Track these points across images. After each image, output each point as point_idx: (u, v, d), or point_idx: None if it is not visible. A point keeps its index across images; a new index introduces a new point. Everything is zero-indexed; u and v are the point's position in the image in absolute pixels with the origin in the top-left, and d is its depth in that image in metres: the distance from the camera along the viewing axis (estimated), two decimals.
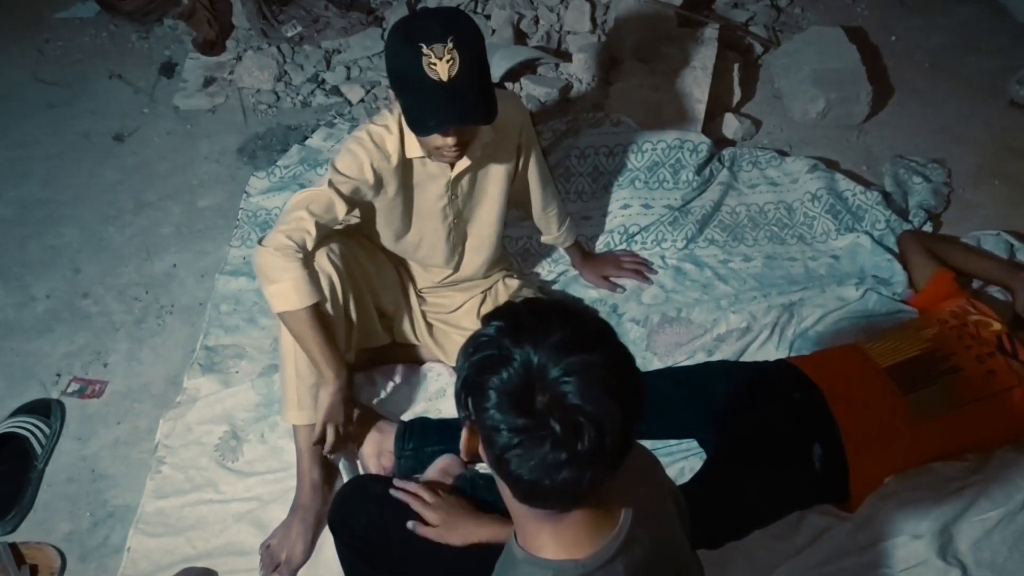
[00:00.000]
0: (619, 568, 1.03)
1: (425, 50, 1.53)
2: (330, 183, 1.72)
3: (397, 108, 1.71)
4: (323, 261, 1.75)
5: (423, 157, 1.76)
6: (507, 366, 0.94)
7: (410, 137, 1.73)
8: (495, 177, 1.91)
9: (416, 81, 1.55)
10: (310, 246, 1.71)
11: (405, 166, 1.79)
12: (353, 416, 1.81)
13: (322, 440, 1.76)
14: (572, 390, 0.92)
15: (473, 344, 1.00)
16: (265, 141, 2.81)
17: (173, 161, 2.80)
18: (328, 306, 1.76)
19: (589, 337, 0.97)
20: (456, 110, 1.59)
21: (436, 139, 1.64)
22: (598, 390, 0.93)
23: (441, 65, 1.53)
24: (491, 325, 0.99)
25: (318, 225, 1.71)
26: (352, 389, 1.80)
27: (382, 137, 1.74)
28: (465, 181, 1.87)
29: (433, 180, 1.84)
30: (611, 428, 0.93)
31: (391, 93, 1.68)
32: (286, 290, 1.67)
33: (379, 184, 1.77)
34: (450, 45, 1.53)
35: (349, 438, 1.84)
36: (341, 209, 1.73)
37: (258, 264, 1.70)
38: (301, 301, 1.67)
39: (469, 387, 0.98)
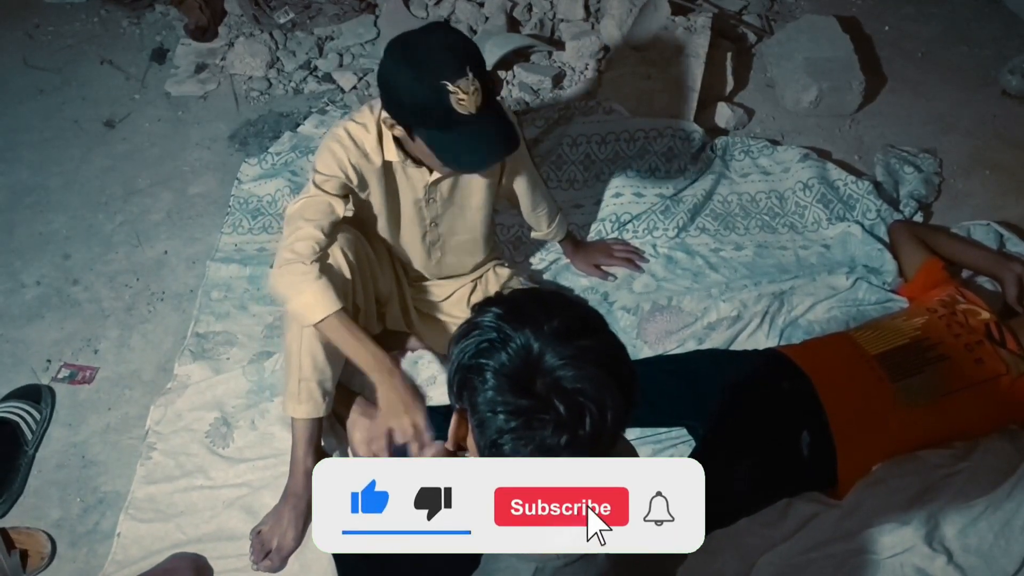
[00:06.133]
0: (600, 556, 1.03)
1: (451, 87, 1.49)
2: (315, 185, 1.71)
3: (377, 107, 1.69)
4: (337, 255, 1.73)
5: (401, 160, 1.75)
6: (506, 349, 0.95)
7: (388, 139, 1.71)
8: (476, 188, 1.89)
9: (445, 118, 1.53)
10: (319, 251, 1.68)
11: (385, 167, 1.78)
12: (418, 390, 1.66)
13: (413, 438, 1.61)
14: (571, 375, 0.93)
15: (468, 330, 1.00)
16: (257, 128, 2.81)
17: (164, 147, 2.79)
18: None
19: (585, 324, 0.98)
20: (496, 143, 1.60)
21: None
22: (597, 375, 0.94)
23: (469, 100, 1.51)
24: (488, 312, 0.99)
25: (320, 228, 1.69)
26: (399, 366, 1.67)
27: (360, 136, 1.72)
28: (444, 187, 1.85)
29: (411, 184, 1.82)
30: (612, 412, 0.94)
31: (376, 102, 1.67)
32: (307, 303, 1.64)
33: (361, 181, 1.76)
34: (471, 75, 1.50)
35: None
36: (338, 205, 1.72)
37: (273, 286, 1.69)
38: (325, 310, 1.64)
39: (464, 371, 0.98)
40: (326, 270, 1.69)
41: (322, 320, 1.64)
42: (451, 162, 1.63)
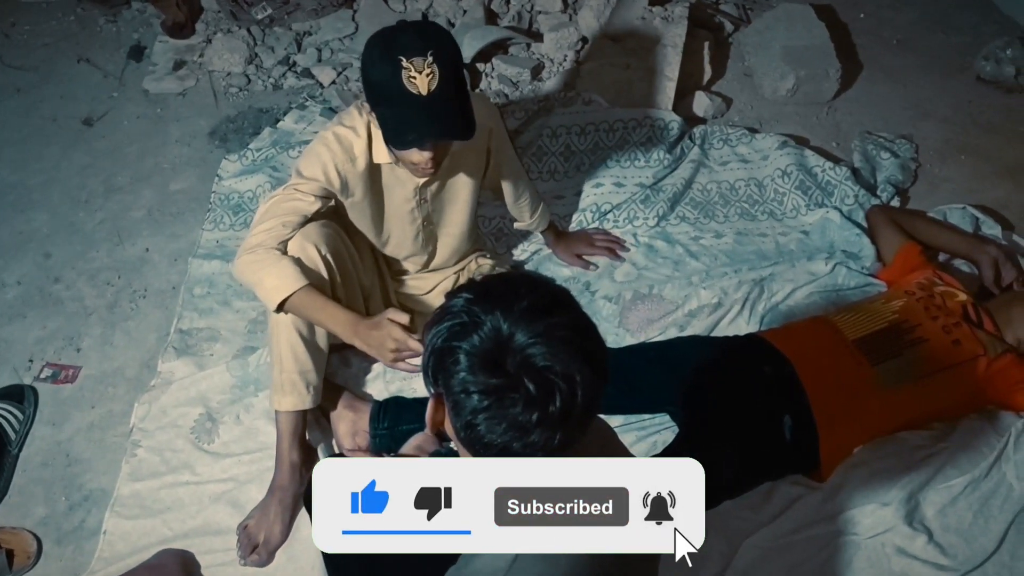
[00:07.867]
0: None
1: (405, 63, 1.52)
2: (294, 187, 1.72)
3: (366, 110, 1.70)
4: (312, 253, 1.74)
5: (391, 163, 1.76)
6: (478, 331, 0.97)
7: (378, 142, 1.72)
8: (463, 181, 1.91)
9: (395, 95, 1.54)
10: (280, 243, 1.71)
11: (373, 170, 1.78)
12: (396, 319, 1.68)
13: (396, 357, 1.67)
14: (540, 352, 0.95)
15: (441, 315, 1.01)
16: (237, 124, 2.80)
17: (143, 145, 2.78)
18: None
19: (554, 302, 1.00)
20: (436, 125, 1.58)
21: (413, 154, 1.64)
22: (566, 352, 0.95)
23: (421, 79, 1.53)
24: (459, 297, 1.01)
25: (284, 224, 1.71)
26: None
27: (349, 140, 1.73)
28: (434, 186, 1.87)
29: (401, 184, 1.83)
30: (583, 387, 0.96)
31: (366, 105, 1.67)
32: (274, 285, 1.67)
33: (344, 187, 1.77)
34: (430, 59, 1.53)
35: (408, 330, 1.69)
36: (309, 205, 1.73)
37: (238, 270, 1.71)
38: (289, 288, 1.67)
39: (438, 354, 1.00)
40: (289, 257, 1.71)
41: (288, 295, 1.67)
42: (390, 138, 1.63)
